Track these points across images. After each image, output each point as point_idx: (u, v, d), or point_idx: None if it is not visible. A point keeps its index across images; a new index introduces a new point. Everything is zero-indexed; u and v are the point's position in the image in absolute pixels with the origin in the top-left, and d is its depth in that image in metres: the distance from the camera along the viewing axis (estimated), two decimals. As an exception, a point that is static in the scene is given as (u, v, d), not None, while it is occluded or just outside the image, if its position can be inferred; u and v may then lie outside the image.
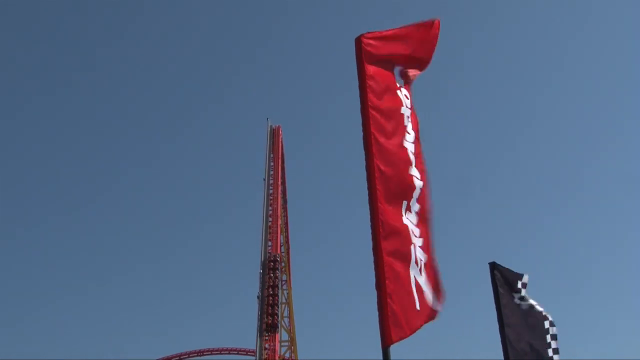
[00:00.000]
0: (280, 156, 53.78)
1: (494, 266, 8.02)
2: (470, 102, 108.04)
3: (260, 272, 42.54)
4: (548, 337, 7.92)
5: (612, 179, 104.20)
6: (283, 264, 44.95)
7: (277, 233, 49.91)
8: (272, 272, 43.59)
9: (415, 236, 5.15)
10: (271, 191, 51.58)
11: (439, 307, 5.11)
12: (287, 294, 49.77)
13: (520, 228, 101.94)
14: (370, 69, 5.25)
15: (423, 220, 5.26)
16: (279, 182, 52.45)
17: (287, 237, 52.95)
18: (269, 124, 54.85)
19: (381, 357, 4.71)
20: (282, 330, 47.73)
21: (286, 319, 48.86)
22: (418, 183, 5.29)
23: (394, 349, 4.71)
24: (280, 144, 54.18)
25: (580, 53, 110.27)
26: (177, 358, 55.23)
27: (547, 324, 7.98)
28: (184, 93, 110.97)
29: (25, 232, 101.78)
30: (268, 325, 41.67)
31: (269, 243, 48.93)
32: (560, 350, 7.91)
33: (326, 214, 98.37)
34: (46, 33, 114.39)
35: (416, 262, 5.05)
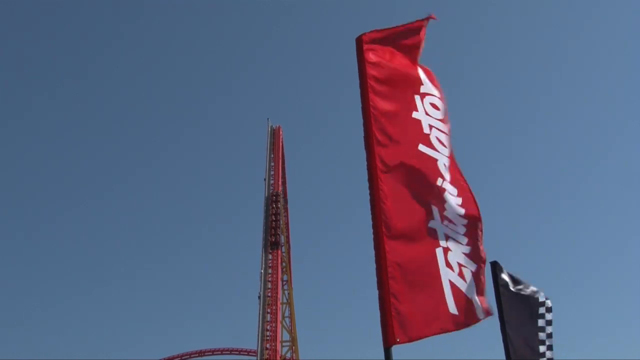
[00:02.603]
0: (280, 156, 53.76)
1: (495, 265, 8.00)
2: (471, 101, 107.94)
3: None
4: (542, 334, 7.87)
5: (613, 179, 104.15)
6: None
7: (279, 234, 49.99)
8: (275, 204, 50.12)
9: (461, 244, 5.05)
10: (272, 191, 51.60)
11: (484, 315, 4.99)
12: (288, 294, 49.77)
13: (521, 228, 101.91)
14: (374, 65, 5.22)
15: (472, 229, 5.16)
16: (280, 182, 52.43)
17: (287, 237, 52.95)
18: (270, 124, 54.83)
19: (383, 358, 4.68)
20: (284, 330, 47.77)
21: (287, 319, 48.88)
22: (448, 186, 5.19)
23: (395, 348, 4.68)
24: (280, 144, 54.15)
25: (581, 53, 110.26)
26: (179, 358, 55.23)
27: (541, 309, 7.92)
28: (185, 94, 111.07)
29: (26, 233, 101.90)
30: (272, 243, 48.57)
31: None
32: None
33: (327, 214, 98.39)
34: (48, 32, 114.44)
35: (450, 266, 4.94)
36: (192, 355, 55.51)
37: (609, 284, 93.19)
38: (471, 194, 5.32)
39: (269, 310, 46.23)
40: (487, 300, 5.08)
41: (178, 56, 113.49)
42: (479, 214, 5.26)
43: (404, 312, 4.65)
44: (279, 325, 46.66)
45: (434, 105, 5.43)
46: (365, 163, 5.02)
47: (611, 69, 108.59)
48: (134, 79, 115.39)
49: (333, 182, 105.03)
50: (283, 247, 50.86)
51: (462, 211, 5.18)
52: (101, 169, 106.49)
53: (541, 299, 7.96)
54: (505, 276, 7.89)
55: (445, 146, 5.32)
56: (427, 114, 5.37)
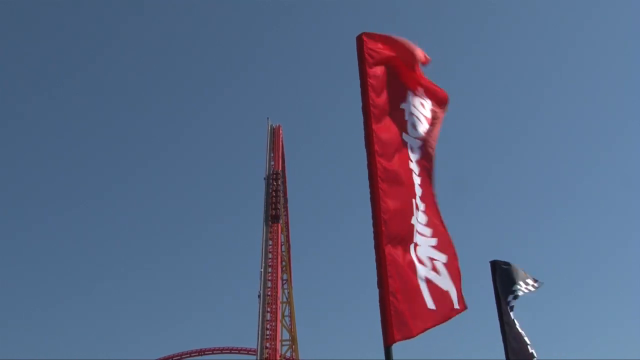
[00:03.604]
0: (280, 155, 53.81)
1: (494, 264, 8.01)
2: (471, 100, 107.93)
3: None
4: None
5: (612, 178, 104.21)
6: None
7: (278, 232, 50.02)
8: (275, 182, 52.33)
9: (426, 236, 5.09)
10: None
11: (460, 306, 5.04)
12: (288, 293, 49.82)
13: (521, 227, 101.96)
14: (374, 64, 5.25)
15: (434, 219, 5.20)
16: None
17: (287, 235, 52.99)
18: (269, 123, 54.85)
19: (383, 357, 4.69)
20: (283, 329, 47.80)
21: (287, 318, 48.92)
22: (415, 177, 5.24)
23: (396, 348, 4.69)
24: (280, 143, 54.19)
25: (581, 52, 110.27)
26: (179, 357, 55.26)
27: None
28: (185, 93, 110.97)
29: (25, 232, 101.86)
30: (272, 216, 50.71)
31: (269, 242, 49.08)
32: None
33: (327, 213, 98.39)
34: (48, 32, 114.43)
35: (423, 263, 4.97)
36: (192, 354, 55.53)
37: (608, 283, 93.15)
38: (429, 173, 5.37)
39: (268, 309, 46.25)
40: (460, 289, 5.10)
41: (178, 56, 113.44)
42: (436, 204, 5.30)
43: (402, 311, 4.68)
44: (279, 324, 46.68)
45: (422, 104, 5.53)
46: (366, 162, 5.02)
47: (611, 69, 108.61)
48: (134, 79, 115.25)
49: (333, 180, 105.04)
50: (283, 247, 51.01)
51: (421, 191, 5.24)
52: (100, 168, 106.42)
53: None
54: (504, 277, 7.91)
55: (416, 130, 5.40)
56: (413, 105, 5.47)
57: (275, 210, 50.97)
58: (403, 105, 5.41)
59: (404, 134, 5.32)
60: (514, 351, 7.60)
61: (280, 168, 53.72)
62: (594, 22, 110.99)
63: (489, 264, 8.02)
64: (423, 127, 5.47)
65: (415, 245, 5.02)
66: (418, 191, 5.21)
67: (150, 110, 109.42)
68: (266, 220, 50.64)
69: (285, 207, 53.69)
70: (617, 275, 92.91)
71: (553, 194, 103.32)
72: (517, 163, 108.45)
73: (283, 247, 51.07)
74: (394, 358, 4.65)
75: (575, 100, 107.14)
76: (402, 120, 5.36)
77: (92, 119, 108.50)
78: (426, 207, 5.20)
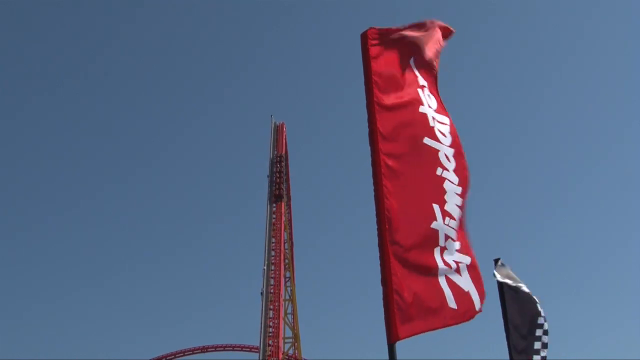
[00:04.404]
0: (284, 153, 53.78)
1: (498, 263, 7.98)
2: (471, 100, 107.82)
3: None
4: (539, 331, 7.84)
5: (612, 178, 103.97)
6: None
7: (281, 230, 50.00)
8: (279, 164, 53.02)
9: (454, 240, 5.07)
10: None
11: (479, 306, 5.05)
12: (291, 291, 49.86)
13: (522, 227, 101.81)
14: (378, 61, 5.19)
15: (461, 224, 5.18)
16: (283, 179, 52.53)
17: (290, 234, 52.96)
18: (273, 121, 54.83)
19: (387, 355, 4.68)
20: (286, 326, 47.85)
21: (290, 316, 48.95)
22: (450, 186, 5.19)
23: (398, 347, 4.68)
24: (284, 140, 54.15)
25: (581, 53, 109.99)
26: (181, 354, 55.35)
27: (540, 320, 7.88)
28: (185, 93, 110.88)
29: (25, 232, 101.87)
30: (275, 196, 51.73)
31: (272, 240, 49.08)
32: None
33: (331, 211, 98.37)
34: (48, 32, 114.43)
35: (447, 264, 4.97)
36: (194, 351, 55.63)
37: (608, 283, 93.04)
38: (468, 182, 5.35)
39: (271, 307, 46.28)
40: (483, 290, 5.12)
41: (178, 56, 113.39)
42: (464, 208, 5.28)
43: (406, 309, 4.67)
44: (282, 322, 46.69)
45: (429, 96, 5.44)
46: (370, 160, 5.00)
47: (611, 69, 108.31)
48: (134, 78, 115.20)
49: (336, 178, 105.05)
50: (286, 245, 50.95)
51: (460, 201, 5.21)
52: (101, 167, 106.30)
53: (539, 309, 7.91)
54: (506, 274, 7.88)
55: (445, 136, 5.34)
56: (429, 106, 5.38)
57: (278, 191, 51.47)
58: (422, 109, 5.32)
59: (428, 139, 5.24)
60: (517, 351, 7.58)
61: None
62: (594, 22, 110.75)
63: (493, 262, 7.99)
64: (447, 129, 5.40)
65: (443, 249, 5.00)
66: (450, 198, 5.16)
67: (150, 110, 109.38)
68: (269, 199, 51.24)
69: (289, 205, 53.63)
70: (617, 276, 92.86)
71: (553, 194, 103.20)
72: (517, 163, 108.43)
73: (286, 244, 51.04)
74: (397, 357, 4.64)
75: (575, 100, 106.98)
76: (427, 126, 5.29)
77: (92, 119, 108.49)
78: (460, 213, 5.18)
